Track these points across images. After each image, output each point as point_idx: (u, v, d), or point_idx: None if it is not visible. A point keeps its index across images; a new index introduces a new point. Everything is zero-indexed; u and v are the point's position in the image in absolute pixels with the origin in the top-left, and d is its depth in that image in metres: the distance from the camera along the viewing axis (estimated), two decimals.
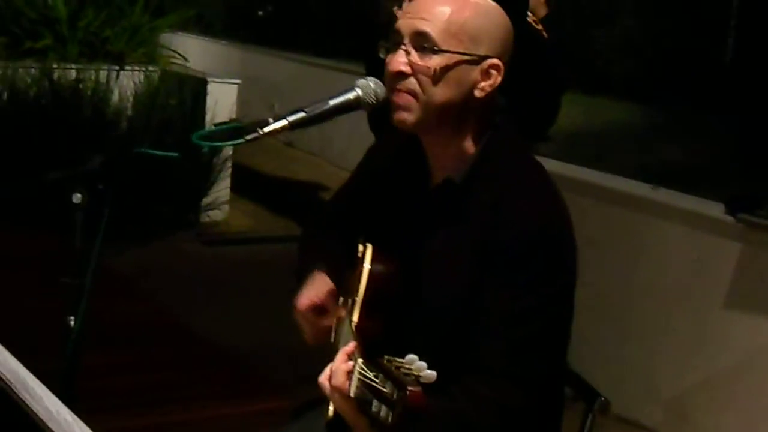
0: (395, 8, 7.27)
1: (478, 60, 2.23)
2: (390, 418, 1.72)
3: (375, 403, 1.78)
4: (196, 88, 8.46)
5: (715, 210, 4.97)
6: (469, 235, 2.23)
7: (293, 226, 8.73)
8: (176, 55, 9.66)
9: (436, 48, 2.20)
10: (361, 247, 2.50)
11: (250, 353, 5.60)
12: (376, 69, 7.16)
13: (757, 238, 4.72)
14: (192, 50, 10.32)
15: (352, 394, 1.95)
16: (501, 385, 2.10)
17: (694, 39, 9.91)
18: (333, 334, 2.54)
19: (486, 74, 2.25)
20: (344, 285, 2.54)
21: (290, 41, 12.93)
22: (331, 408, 2.33)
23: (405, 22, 2.25)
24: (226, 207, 8.48)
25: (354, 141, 6.03)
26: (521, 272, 2.15)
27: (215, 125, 2.18)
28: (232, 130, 2.16)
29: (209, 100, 8.31)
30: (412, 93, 2.22)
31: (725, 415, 4.84)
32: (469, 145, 2.30)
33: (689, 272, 5.06)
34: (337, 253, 2.60)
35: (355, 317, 2.30)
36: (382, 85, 2.26)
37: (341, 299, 2.53)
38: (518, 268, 2.16)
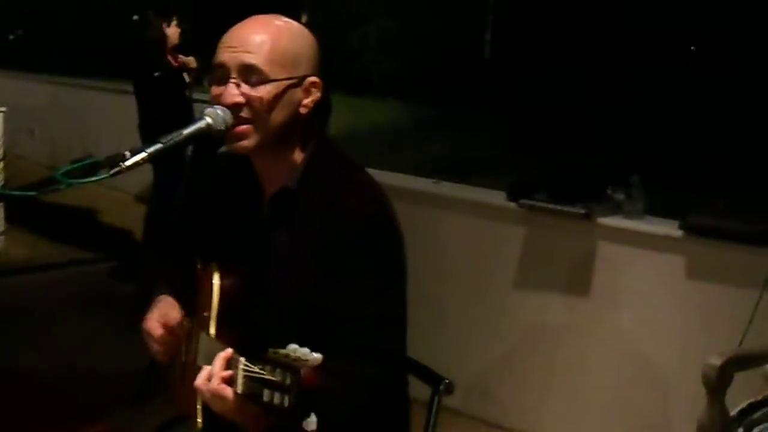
0: (164, 25, 7.36)
1: (301, 81, 2.42)
2: (286, 402, 1.85)
3: (266, 393, 1.90)
4: None
5: (497, 198, 5.26)
6: (309, 234, 2.40)
7: (71, 250, 8.67)
8: None
9: (265, 78, 2.36)
10: (199, 267, 2.64)
11: (53, 379, 5.57)
12: (145, 85, 7.16)
13: (539, 220, 5.04)
14: None
15: (239, 391, 2.06)
16: (359, 360, 2.26)
17: (452, 37, 10.23)
18: (184, 352, 2.65)
19: (307, 92, 2.44)
20: (189, 305, 2.67)
21: (44, 64, 12.70)
22: (199, 419, 2.45)
23: (230, 56, 2.38)
24: (2, 238, 8.33)
25: None
26: (362, 259, 2.35)
27: (72, 162, 2.23)
28: (89, 166, 2.22)
29: None
30: (248, 121, 2.38)
31: (523, 388, 5.15)
32: (298, 155, 2.48)
33: (479, 260, 5.33)
34: (176, 278, 2.73)
35: (213, 330, 2.43)
36: (229, 112, 2.38)
37: (188, 319, 2.65)
38: (359, 255, 2.35)
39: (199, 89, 7.49)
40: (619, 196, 4.85)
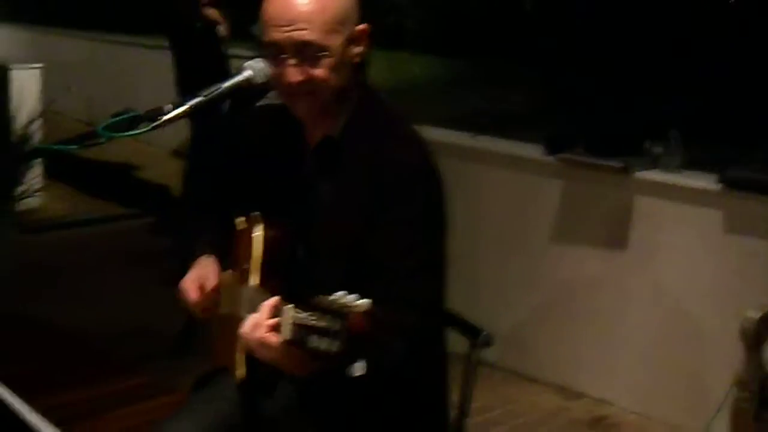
0: None
1: (352, 36, 2.42)
2: (335, 347, 1.87)
3: (314, 338, 1.91)
4: None
5: (534, 152, 5.26)
6: (353, 184, 2.42)
7: (109, 206, 8.74)
8: None
9: (323, 50, 2.35)
10: (240, 219, 2.66)
11: (92, 334, 5.63)
12: (180, 40, 7.15)
13: (576, 174, 5.04)
14: None
15: (287, 338, 2.06)
16: (399, 309, 2.24)
17: None
18: (223, 304, 2.68)
19: (358, 42, 2.44)
20: (229, 258, 2.69)
21: (79, 20, 12.72)
22: (240, 370, 2.48)
23: (282, 36, 2.34)
24: (41, 193, 8.39)
25: None
26: (405, 208, 2.36)
27: (112, 116, 2.25)
28: (129, 120, 2.24)
29: (13, 87, 8.17)
30: (310, 92, 2.38)
31: (560, 342, 5.17)
32: (343, 105, 2.48)
33: (516, 214, 5.34)
34: (216, 232, 2.75)
35: (257, 281, 2.45)
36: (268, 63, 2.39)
37: (230, 271, 2.67)
38: (402, 205, 2.36)
39: (233, 44, 7.50)
40: (657, 150, 4.84)
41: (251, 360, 2.34)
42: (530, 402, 5.07)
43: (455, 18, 10.34)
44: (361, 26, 2.44)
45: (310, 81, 2.36)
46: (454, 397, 2.74)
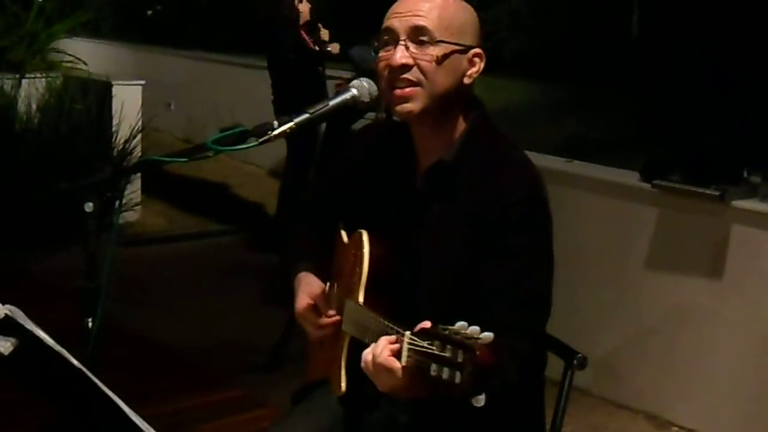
0: (296, 1, 7.43)
1: (466, 50, 2.46)
2: (458, 378, 1.86)
3: (434, 367, 1.90)
4: (100, 92, 8.46)
5: (630, 178, 5.23)
6: (463, 208, 2.44)
7: (204, 222, 8.86)
8: (75, 60, 9.57)
9: (433, 39, 2.41)
10: (343, 234, 2.69)
11: (186, 348, 5.71)
12: (278, 61, 7.20)
13: (672, 202, 4.99)
14: (83, 54, 10.26)
15: (403, 364, 2.08)
16: (510, 338, 2.20)
17: (592, 15, 10.13)
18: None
19: (471, 62, 2.47)
20: (329, 274, 2.73)
21: (180, 39, 12.94)
22: (343, 384, 2.50)
23: (399, 21, 2.44)
24: (139, 208, 8.53)
25: None
26: (518, 237, 2.37)
27: (221, 130, 2.29)
28: (238, 135, 2.28)
29: (115, 103, 8.34)
30: (415, 83, 2.42)
31: (652, 370, 5.12)
32: (457, 128, 2.51)
33: (611, 240, 5.31)
34: (320, 247, 2.79)
35: (361, 298, 2.47)
36: (374, 84, 2.43)
37: (332, 284, 2.70)
38: (515, 233, 2.37)
39: (329, 66, 7.57)
40: (756, 179, 4.79)
41: (354, 375, 2.36)
42: (619, 429, 5.03)
43: (553, 44, 10.34)
44: (479, 50, 2.48)
45: (413, 67, 2.41)
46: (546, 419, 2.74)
